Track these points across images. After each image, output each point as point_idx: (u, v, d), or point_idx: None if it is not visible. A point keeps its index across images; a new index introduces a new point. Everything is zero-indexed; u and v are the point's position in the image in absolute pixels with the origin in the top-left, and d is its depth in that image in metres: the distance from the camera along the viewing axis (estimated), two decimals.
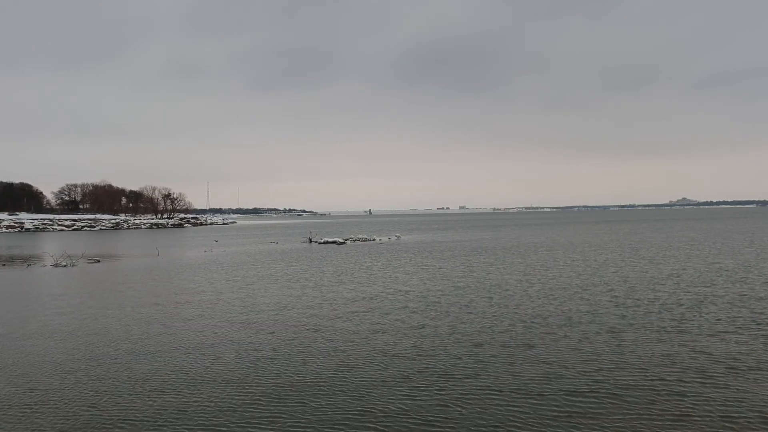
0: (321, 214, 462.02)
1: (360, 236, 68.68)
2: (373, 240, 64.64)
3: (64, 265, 37.07)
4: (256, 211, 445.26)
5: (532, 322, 16.96)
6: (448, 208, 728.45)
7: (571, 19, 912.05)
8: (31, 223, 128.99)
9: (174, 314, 19.56)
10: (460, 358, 13.23)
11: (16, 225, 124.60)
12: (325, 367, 12.81)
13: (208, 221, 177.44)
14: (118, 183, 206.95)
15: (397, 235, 75.16)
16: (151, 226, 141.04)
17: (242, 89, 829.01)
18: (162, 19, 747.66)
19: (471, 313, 18.69)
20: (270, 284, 26.89)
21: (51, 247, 63.30)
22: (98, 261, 40.87)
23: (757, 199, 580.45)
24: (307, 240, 65.83)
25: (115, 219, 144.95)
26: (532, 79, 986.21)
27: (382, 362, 13.06)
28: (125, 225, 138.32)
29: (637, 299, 20.58)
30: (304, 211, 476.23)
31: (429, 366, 12.67)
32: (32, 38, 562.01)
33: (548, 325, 16.59)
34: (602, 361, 12.76)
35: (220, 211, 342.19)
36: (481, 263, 34.80)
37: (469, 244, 55.84)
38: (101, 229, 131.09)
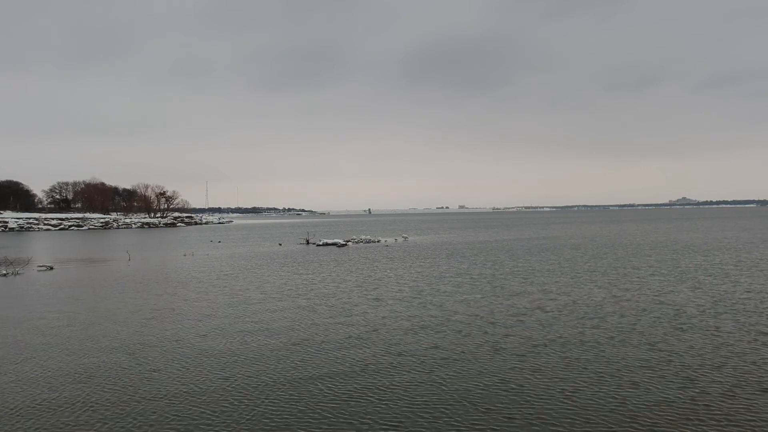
0: (320, 214, 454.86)
1: (363, 237, 61.34)
2: (378, 241, 57.53)
3: (4, 274, 29.86)
4: (255, 211, 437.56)
5: (710, 380, 10.04)
6: (447, 208, 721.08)
7: (578, 19, 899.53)
8: (16, 222, 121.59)
9: (133, 364, 12.59)
10: None
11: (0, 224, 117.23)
12: None
13: (203, 220, 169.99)
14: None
15: (405, 236, 67.84)
16: (142, 225, 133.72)
17: (247, 88, 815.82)
18: (169, 18, 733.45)
19: (603, 362, 11.77)
20: (277, 303, 19.92)
21: (25, 248, 56.25)
22: (51, 268, 33.50)
23: (757, 199, 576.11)
24: (304, 241, 58.48)
25: (104, 218, 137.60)
26: (536, 79, 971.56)
27: None
28: (115, 224, 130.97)
29: None
30: (303, 210, 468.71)
31: None
32: (38, 37, 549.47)
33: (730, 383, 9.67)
34: None
35: (219, 210, 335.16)
36: (537, 271, 27.87)
37: (494, 245, 48.90)
38: (89, 228, 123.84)
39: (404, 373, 11.30)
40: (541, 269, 28.73)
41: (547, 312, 17.21)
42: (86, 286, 25.50)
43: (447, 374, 11.14)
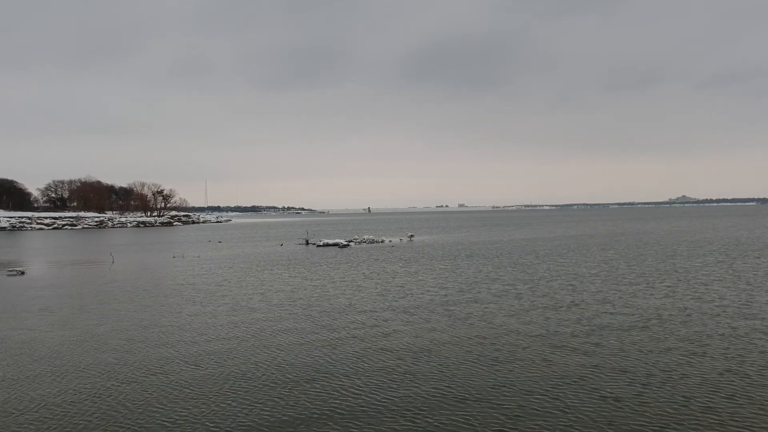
0: (320, 212, 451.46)
1: (366, 237, 57.78)
2: (382, 242, 54.17)
3: None
4: (254, 209, 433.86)
5: None
6: (447, 206, 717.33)
7: (578, 19, 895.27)
8: (8, 221, 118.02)
9: (96, 416, 9.27)
10: None
11: None
12: None
13: (201, 219, 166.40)
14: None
15: (410, 235, 64.39)
16: (138, 224, 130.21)
17: (247, 88, 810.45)
18: (169, 18, 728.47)
19: (752, 418, 8.47)
20: (287, 318, 16.60)
21: (9, 249, 52.87)
22: (22, 273, 30.05)
23: (757, 197, 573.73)
24: (304, 242, 54.92)
25: (99, 217, 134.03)
26: (536, 79, 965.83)
27: None
28: (109, 223, 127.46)
29: None
30: (302, 209, 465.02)
31: None
32: (39, 36, 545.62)
33: None
34: None
35: (218, 209, 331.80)
36: (577, 275, 24.57)
37: (511, 245, 45.59)
38: (84, 227, 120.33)
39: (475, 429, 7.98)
40: (581, 273, 25.45)
41: (621, 331, 13.91)
42: (60, 295, 22.10)
43: None
